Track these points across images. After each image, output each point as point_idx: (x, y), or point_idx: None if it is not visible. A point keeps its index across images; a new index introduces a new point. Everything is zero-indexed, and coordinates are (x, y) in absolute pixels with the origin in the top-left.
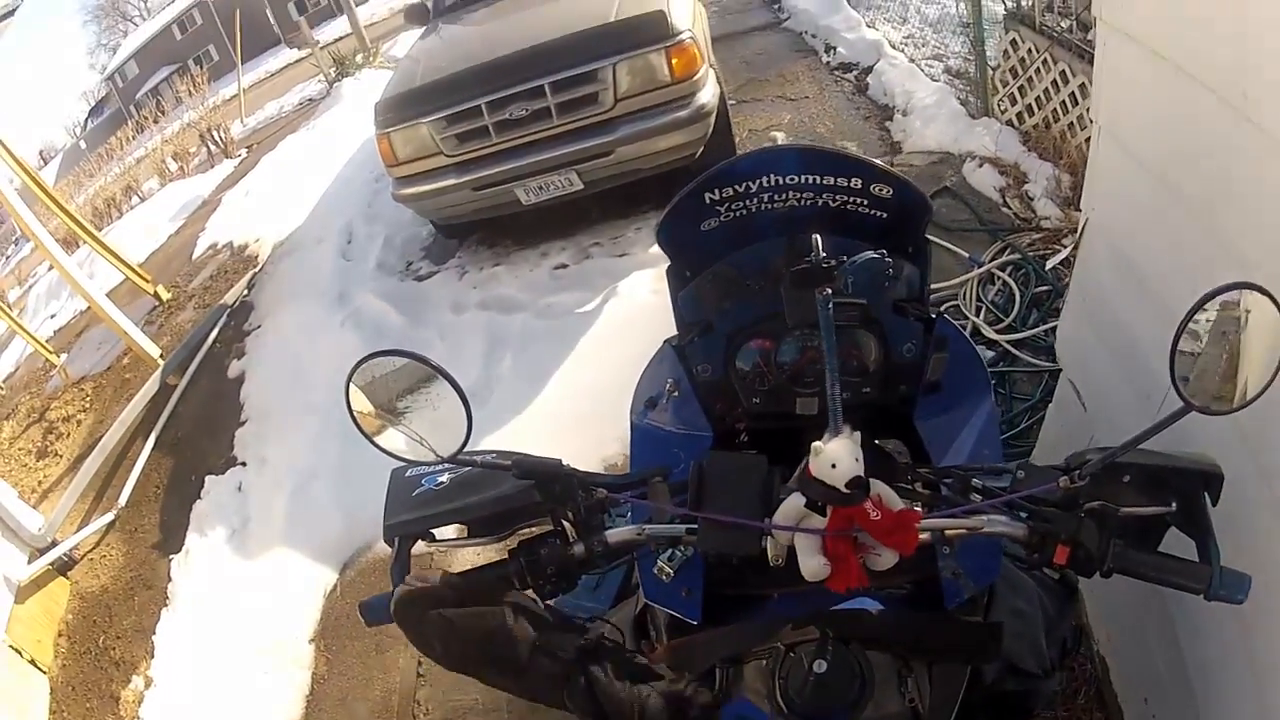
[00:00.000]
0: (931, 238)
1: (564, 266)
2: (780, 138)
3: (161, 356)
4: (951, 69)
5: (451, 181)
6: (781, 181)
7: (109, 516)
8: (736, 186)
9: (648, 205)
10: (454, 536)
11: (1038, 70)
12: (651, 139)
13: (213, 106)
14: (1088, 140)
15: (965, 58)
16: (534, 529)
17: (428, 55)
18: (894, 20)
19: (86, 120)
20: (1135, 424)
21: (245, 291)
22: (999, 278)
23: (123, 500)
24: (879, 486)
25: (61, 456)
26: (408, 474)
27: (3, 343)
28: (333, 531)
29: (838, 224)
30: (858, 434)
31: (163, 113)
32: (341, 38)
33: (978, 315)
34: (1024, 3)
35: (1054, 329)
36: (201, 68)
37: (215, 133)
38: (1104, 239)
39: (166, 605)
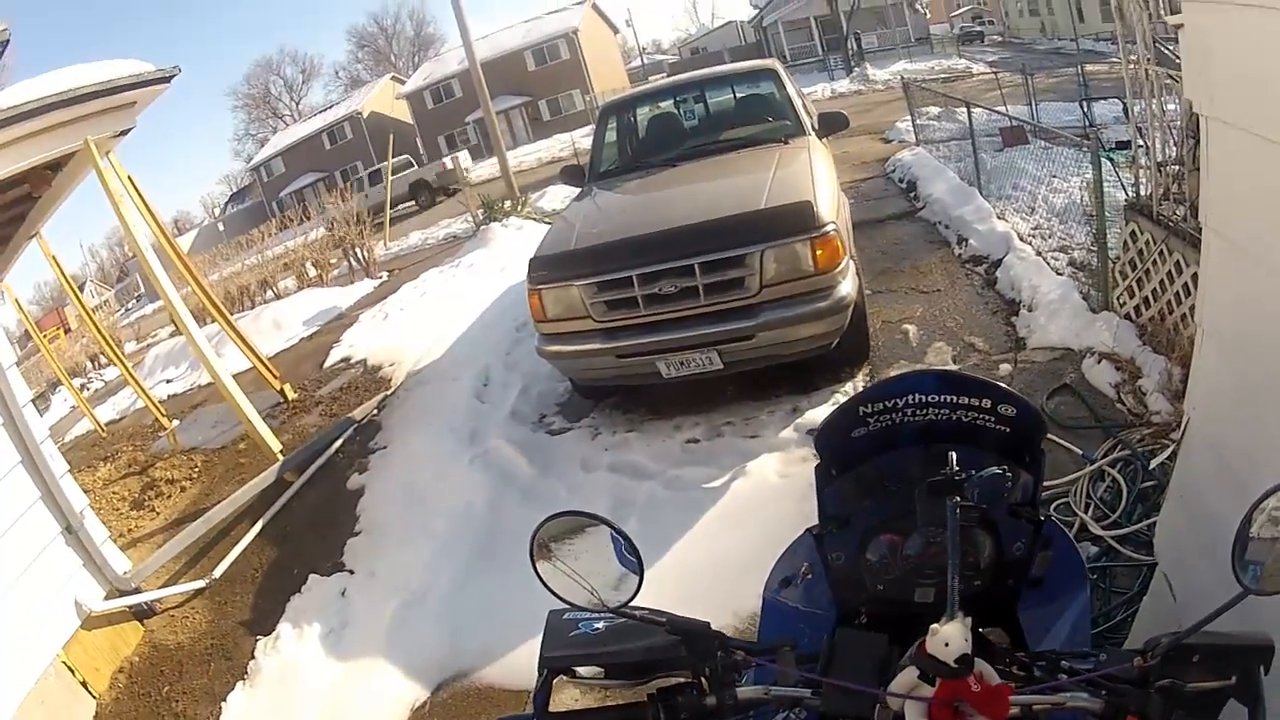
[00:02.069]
0: (1050, 435)
1: (695, 441)
2: (912, 330)
3: (282, 452)
4: (1075, 261)
5: (596, 346)
6: (924, 399)
7: (200, 583)
8: (886, 402)
9: (781, 389)
10: (592, 677)
11: (1154, 261)
12: (792, 327)
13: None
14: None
15: (1089, 249)
16: (667, 679)
17: (583, 219)
18: (1022, 210)
19: (227, 204)
20: (1224, 618)
21: (375, 410)
22: (1109, 474)
23: (218, 572)
24: (981, 664)
25: (159, 514)
26: (565, 616)
27: (110, 389)
28: (434, 652)
29: (967, 436)
30: (969, 619)
31: (307, 217)
32: (489, 180)
33: (1086, 512)
34: (1143, 192)
35: (1156, 524)
36: (348, 181)
37: (359, 250)
38: (1203, 438)
39: (244, 679)
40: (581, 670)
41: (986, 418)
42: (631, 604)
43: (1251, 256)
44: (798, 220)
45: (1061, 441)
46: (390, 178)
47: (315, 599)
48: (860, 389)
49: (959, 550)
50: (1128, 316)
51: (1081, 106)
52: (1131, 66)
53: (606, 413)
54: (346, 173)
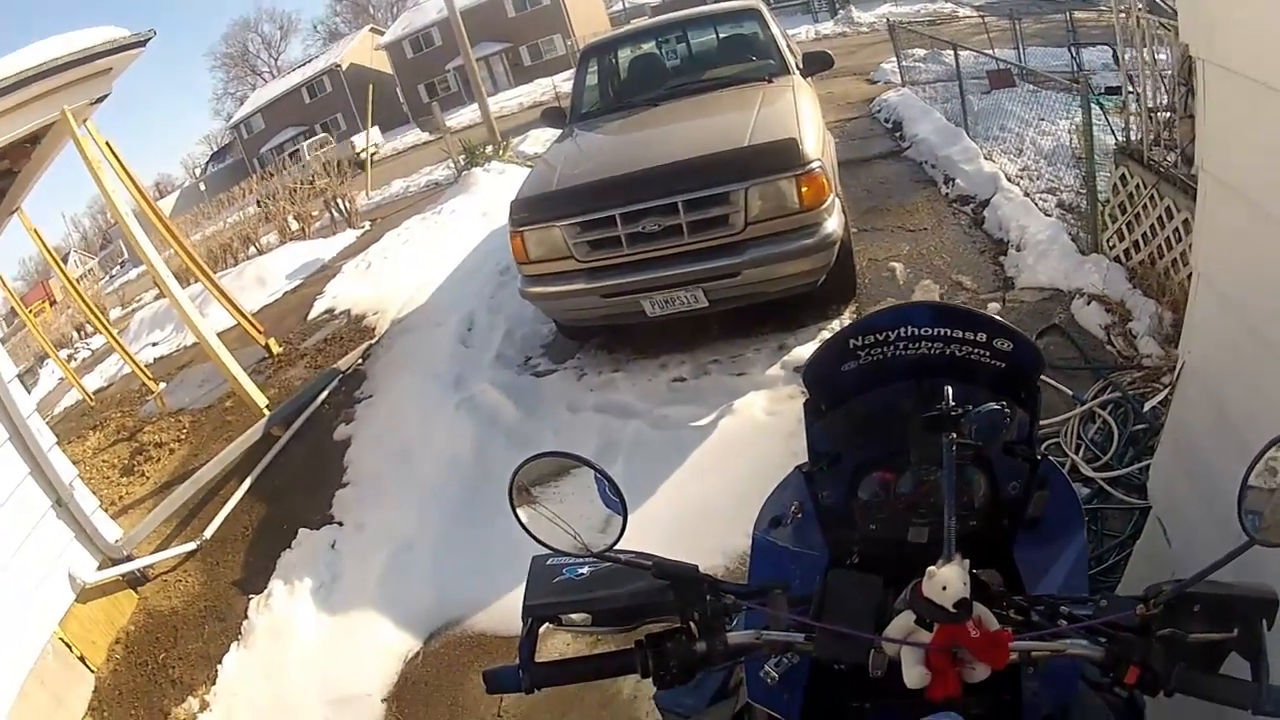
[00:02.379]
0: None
1: (681, 380)
2: (899, 268)
3: (268, 407)
4: (1064, 203)
5: (580, 286)
6: (916, 332)
7: (191, 545)
8: (878, 335)
9: (767, 326)
10: (579, 623)
11: (1145, 205)
12: (778, 264)
13: (340, 174)
14: (1189, 277)
15: (1077, 191)
16: (656, 624)
17: (565, 160)
18: (1010, 152)
19: (208, 164)
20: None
21: (360, 360)
22: (1099, 416)
23: (208, 533)
24: (979, 609)
25: (148, 478)
26: (549, 562)
27: (97, 357)
28: (424, 601)
29: (961, 371)
30: (967, 561)
31: (286, 171)
32: (471, 126)
33: (1077, 453)
34: (1133, 137)
35: (1148, 467)
36: (329, 134)
37: (341, 201)
38: (1199, 383)
39: (238, 639)
40: (567, 617)
41: (981, 352)
42: (617, 548)
43: (1249, 202)
44: (782, 157)
45: (1052, 382)
46: (370, 128)
47: (305, 554)
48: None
49: (955, 489)
50: (1117, 259)
51: (1070, 52)
52: (1123, 15)
53: (591, 353)
54: (327, 125)
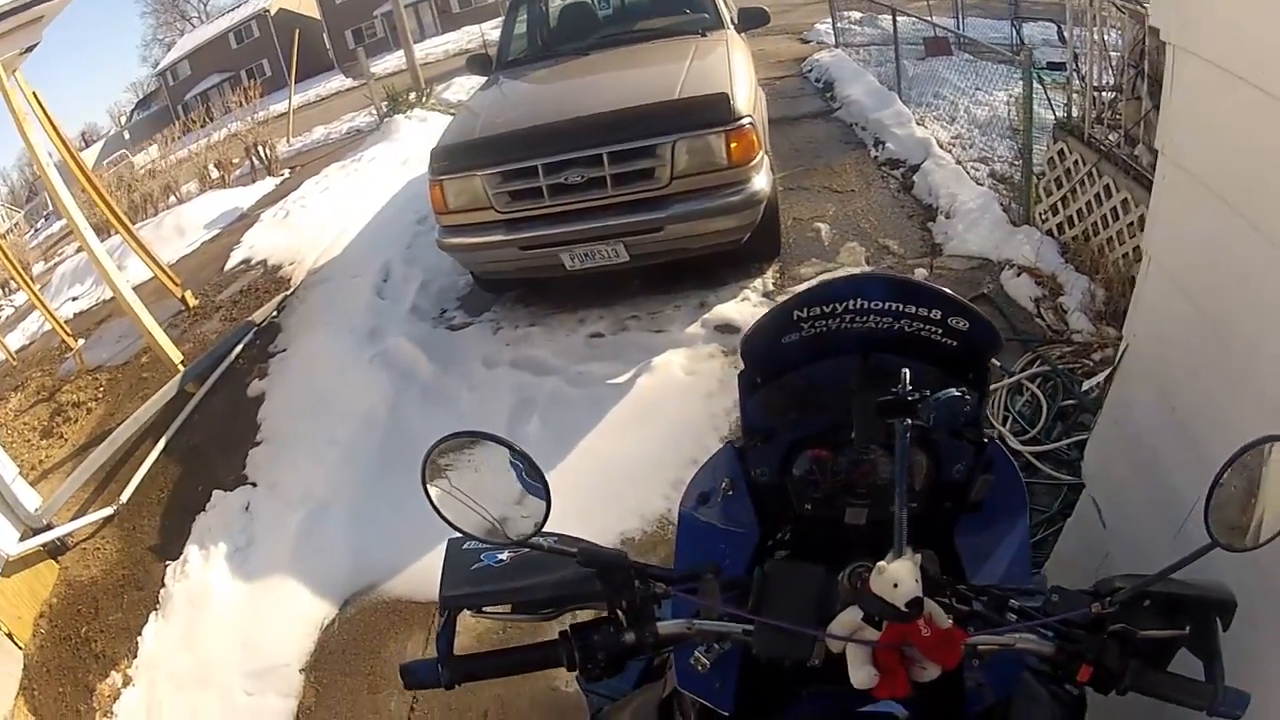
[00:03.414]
0: None
1: (599, 335)
2: (824, 229)
3: (183, 363)
4: (996, 173)
5: (499, 237)
6: (867, 305)
7: (108, 511)
8: (824, 306)
9: (688, 283)
10: (500, 612)
11: (1082, 182)
12: (702, 220)
13: (261, 121)
14: (1125, 256)
15: (1010, 163)
16: (581, 613)
17: (488, 108)
18: (943, 119)
19: (133, 112)
20: (1155, 545)
21: (275, 313)
22: (1027, 389)
23: (125, 497)
24: (931, 605)
25: (66, 440)
26: (465, 546)
27: (20, 314)
28: (339, 566)
29: (908, 347)
30: (919, 556)
31: (210, 119)
32: (395, 73)
33: (1004, 425)
34: (1074, 113)
35: (1078, 443)
36: (254, 80)
37: (261, 148)
38: (1142, 366)
39: (156, 609)
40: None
41: (934, 329)
42: (539, 533)
43: (1209, 190)
44: (713, 112)
45: None
46: (294, 75)
47: (220, 516)
48: (770, 286)
49: (904, 479)
50: (1049, 233)
51: (1012, 25)
52: None
53: (508, 306)
54: (253, 71)
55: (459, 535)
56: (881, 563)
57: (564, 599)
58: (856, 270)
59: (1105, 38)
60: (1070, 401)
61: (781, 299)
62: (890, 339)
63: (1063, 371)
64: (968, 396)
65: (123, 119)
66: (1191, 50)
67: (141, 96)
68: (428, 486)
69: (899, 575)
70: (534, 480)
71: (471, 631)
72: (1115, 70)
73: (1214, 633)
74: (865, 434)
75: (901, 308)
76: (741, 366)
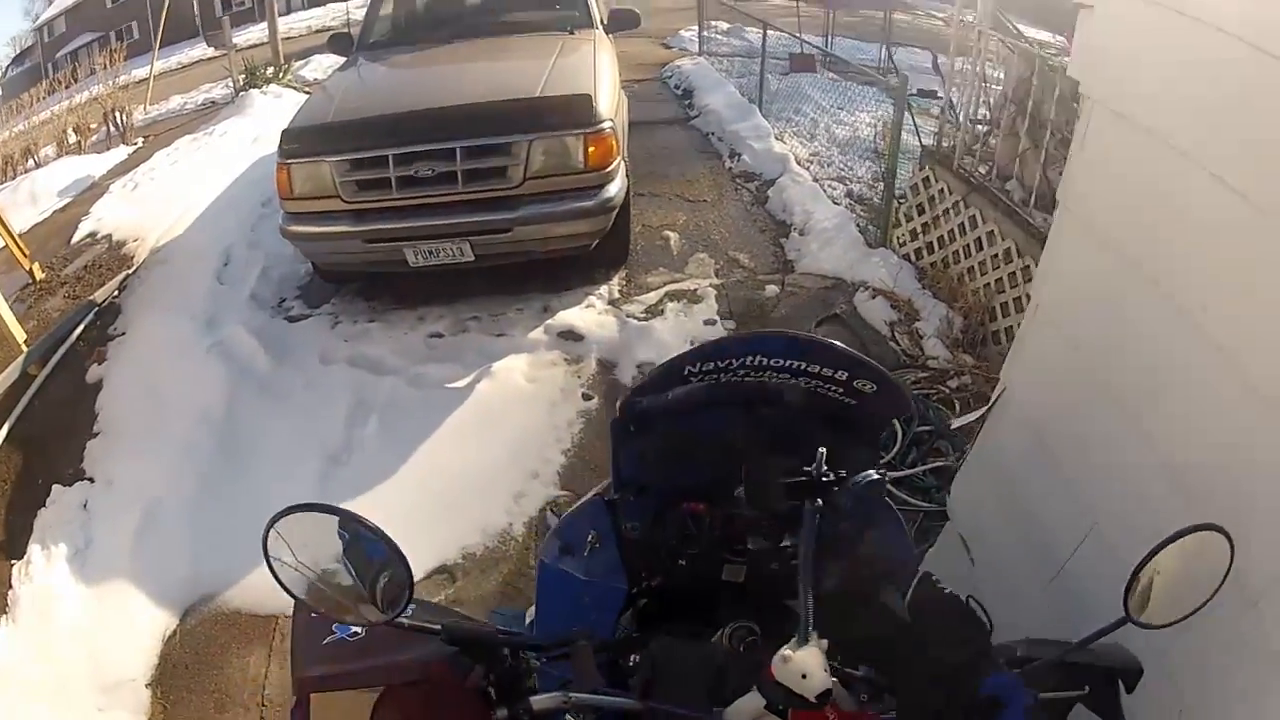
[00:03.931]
0: None
1: (439, 335)
2: (674, 238)
3: (27, 342)
4: (854, 194)
5: (343, 228)
6: (765, 362)
7: None
8: (719, 361)
9: (531, 286)
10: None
11: (947, 211)
12: (553, 224)
13: (122, 86)
14: (987, 286)
15: (870, 184)
16: None
17: (344, 91)
18: (803, 136)
19: (8, 68)
20: (1025, 588)
21: (116, 292)
22: None
23: None
24: (837, 691)
25: None
26: (315, 614)
27: None
28: (178, 573)
29: (801, 402)
30: (824, 642)
31: (75, 79)
32: (256, 45)
33: None
34: (944, 143)
35: (934, 469)
36: (122, 42)
37: (119, 114)
38: (1019, 411)
39: (5, 613)
40: None
41: (835, 388)
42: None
43: (1108, 245)
44: (574, 113)
45: None
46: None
47: (60, 514)
48: (615, 294)
49: (811, 564)
50: (905, 257)
51: (888, 50)
52: (962, 26)
53: (348, 299)
54: (121, 33)
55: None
56: (786, 650)
57: (431, 680)
58: (757, 328)
59: (984, 71)
60: (926, 428)
61: (673, 356)
62: (782, 394)
63: (919, 398)
64: (885, 476)
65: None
66: (1110, 106)
67: (18, 53)
68: (271, 560)
69: (807, 665)
70: (392, 557)
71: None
72: (992, 105)
73: (1116, 696)
74: (760, 501)
75: (804, 366)
76: (615, 415)
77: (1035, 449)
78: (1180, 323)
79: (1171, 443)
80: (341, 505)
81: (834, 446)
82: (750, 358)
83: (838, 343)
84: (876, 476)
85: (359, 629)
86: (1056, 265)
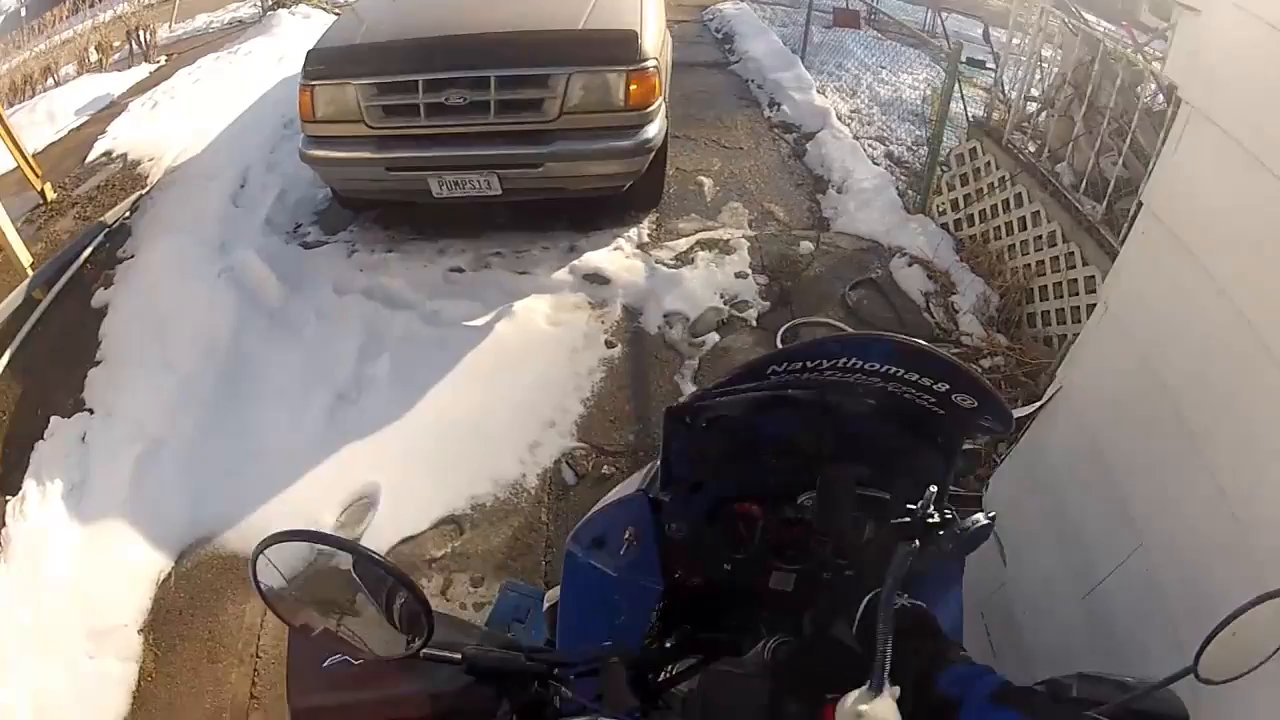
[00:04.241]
0: (846, 328)
1: (460, 270)
2: (708, 185)
3: (33, 265)
4: (893, 155)
5: (366, 154)
6: (857, 364)
7: None
8: (809, 362)
9: (558, 223)
10: None
11: (992, 185)
12: (586, 162)
13: (147, 4)
14: (1028, 267)
15: (909, 147)
16: None
17: (374, 12)
18: (844, 91)
19: None
20: (1059, 594)
21: (127, 213)
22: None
23: None
24: None
25: None
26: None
27: None
28: (174, 513)
29: (884, 406)
30: (897, 690)
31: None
32: None
33: None
34: (994, 116)
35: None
36: None
37: (142, 32)
38: (1074, 412)
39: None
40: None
41: (927, 397)
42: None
43: (1188, 254)
44: (618, 49)
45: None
46: None
47: (57, 447)
48: (644, 238)
49: (893, 606)
50: (944, 227)
51: (939, 15)
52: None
53: (366, 227)
54: None
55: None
56: (862, 706)
57: (447, 715)
58: (853, 329)
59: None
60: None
61: (761, 354)
62: (866, 398)
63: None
64: (992, 518)
65: None
66: (1211, 117)
67: None
68: (261, 586)
69: (879, 717)
70: (401, 585)
71: None
72: (1048, 84)
73: None
74: (830, 517)
75: (900, 372)
76: (672, 407)
77: (1087, 456)
78: (1254, 345)
79: (1232, 470)
80: (351, 442)
81: (909, 453)
82: (845, 360)
83: (945, 353)
84: (986, 521)
85: None
86: (1132, 268)
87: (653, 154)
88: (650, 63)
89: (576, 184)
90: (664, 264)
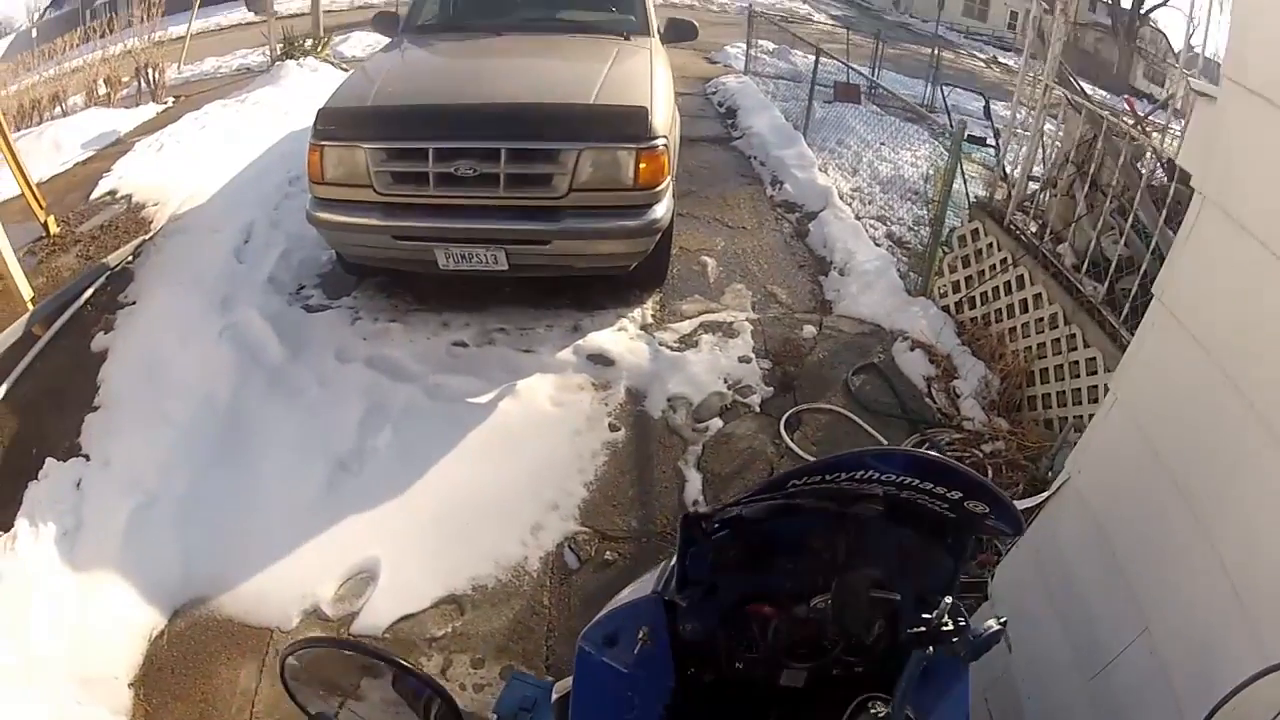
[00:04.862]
0: (849, 414)
1: (463, 345)
2: (711, 265)
3: (34, 300)
4: (894, 235)
5: (373, 221)
6: (874, 475)
7: None
8: (828, 475)
9: (563, 300)
10: None
11: (994, 267)
12: (595, 240)
13: (157, 41)
14: (1029, 350)
15: (910, 227)
16: None
17: (386, 74)
18: (845, 169)
19: (46, 10)
20: (1064, 680)
21: (130, 257)
22: None
23: None
24: None
25: None
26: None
27: None
28: (168, 572)
29: (897, 511)
30: None
31: (111, 30)
32: (296, 15)
33: None
34: (996, 195)
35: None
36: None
37: (151, 71)
38: (1083, 503)
39: None
40: None
41: (940, 503)
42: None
43: (1199, 346)
44: (627, 125)
45: (865, 425)
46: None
47: (51, 489)
48: (648, 319)
49: (905, 710)
50: (946, 309)
51: (940, 89)
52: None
53: (369, 293)
54: None
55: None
56: None
57: None
58: (878, 445)
59: (1044, 127)
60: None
61: (782, 471)
62: (880, 504)
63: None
64: (1004, 622)
65: (35, 15)
66: (1228, 210)
67: None
68: (290, 686)
69: None
70: (434, 693)
71: None
72: (1049, 163)
73: None
74: (846, 620)
75: (915, 482)
76: (689, 513)
77: (1095, 543)
78: (1265, 439)
79: (1239, 558)
80: (350, 515)
81: (920, 555)
82: (863, 472)
83: (961, 465)
84: (998, 628)
85: None
86: (1142, 359)
87: (660, 234)
88: (660, 141)
89: (583, 262)
90: (668, 346)
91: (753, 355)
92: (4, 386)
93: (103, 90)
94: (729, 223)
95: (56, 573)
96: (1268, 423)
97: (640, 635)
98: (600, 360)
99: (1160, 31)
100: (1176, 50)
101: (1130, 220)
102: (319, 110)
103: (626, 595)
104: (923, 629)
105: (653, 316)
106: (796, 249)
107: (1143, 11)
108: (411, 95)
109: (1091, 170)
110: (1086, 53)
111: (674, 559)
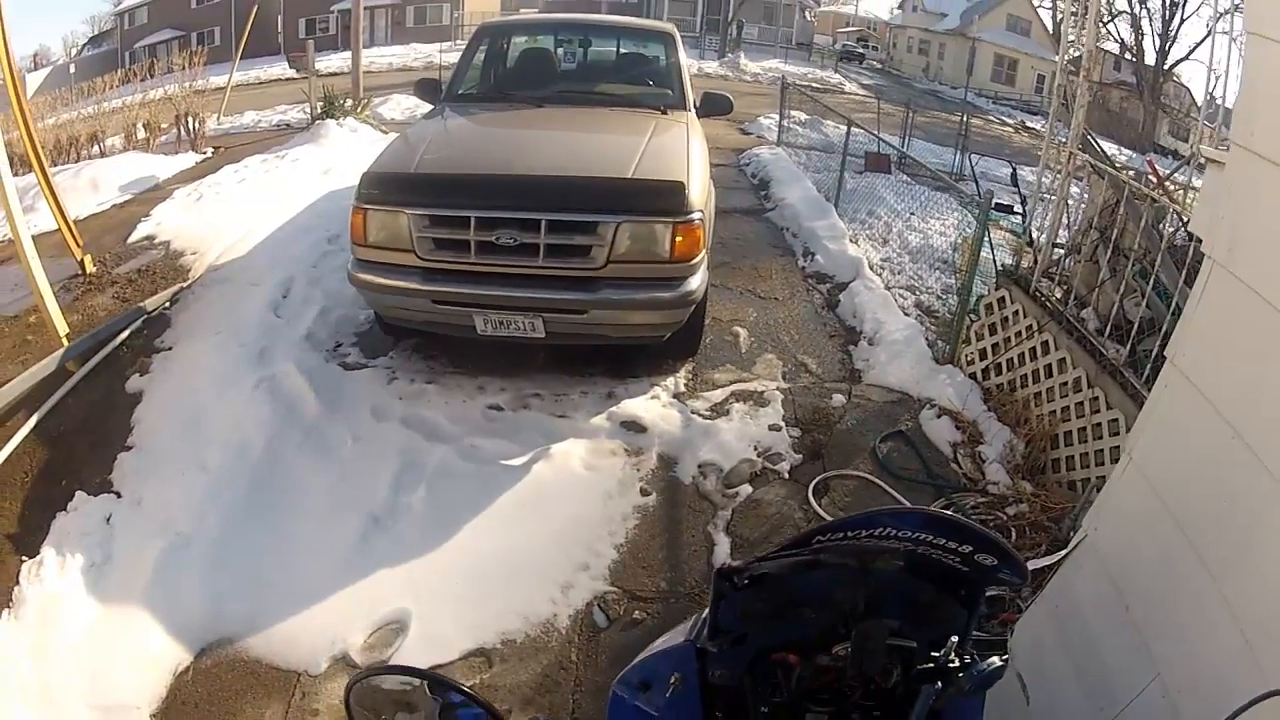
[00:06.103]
0: (876, 480)
1: (498, 409)
2: (743, 335)
3: (68, 336)
4: (922, 305)
5: (414, 285)
6: (894, 532)
7: None
8: (849, 532)
9: (597, 368)
10: None
11: (1019, 333)
12: (630, 311)
13: (198, 90)
14: (1053, 414)
15: (939, 295)
16: None
17: (429, 142)
18: (875, 240)
19: (84, 46)
20: None
21: (168, 303)
22: None
23: None
24: None
25: None
26: None
27: None
28: (197, 609)
29: (913, 565)
30: None
31: (151, 74)
32: (337, 74)
33: None
34: (1022, 263)
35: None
36: (203, 46)
37: (191, 119)
38: (1100, 562)
39: (8, 608)
40: None
41: (952, 557)
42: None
43: (1213, 409)
44: (665, 199)
45: (891, 491)
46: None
47: (80, 522)
48: (681, 388)
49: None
50: (972, 376)
51: (969, 158)
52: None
53: (406, 354)
54: (203, 36)
55: None
56: None
57: None
58: (896, 504)
59: (1069, 193)
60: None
61: (806, 529)
62: (896, 558)
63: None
64: (1006, 662)
65: (73, 51)
66: (1238, 275)
67: (96, 32)
68: (354, 713)
69: None
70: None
71: None
72: (1074, 228)
73: None
74: (865, 665)
75: (930, 538)
76: (722, 567)
77: (1110, 601)
78: (1273, 492)
79: (1251, 614)
80: (380, 569)
81: (934, 605)
82: (882, 529)
83: (972, 522)
84: (1000, 664)
85: None
86: (1156, 419)
87: (694, 305)
88: (696, 215)
89: (619, 331)
90: (700, 414)
91: (783, 423)
92: (35, 418)
93: (141, 134)
94: (761, 294)
95: (82, 602)
96: (1276, 476)
97: (673, 680)
98: (633, 427)
99: (1184, 86)
100: (1200, 103)
101: (1151, 282)
102: (364, 174)
103: (660, 644)
104: (931, 665)
105: (685, 385)
106: (827, 319)
107: (1166, 67)
108: (455, 164)
109: (1114, 235)
110: (1112, 112)
111: (706, 610)
